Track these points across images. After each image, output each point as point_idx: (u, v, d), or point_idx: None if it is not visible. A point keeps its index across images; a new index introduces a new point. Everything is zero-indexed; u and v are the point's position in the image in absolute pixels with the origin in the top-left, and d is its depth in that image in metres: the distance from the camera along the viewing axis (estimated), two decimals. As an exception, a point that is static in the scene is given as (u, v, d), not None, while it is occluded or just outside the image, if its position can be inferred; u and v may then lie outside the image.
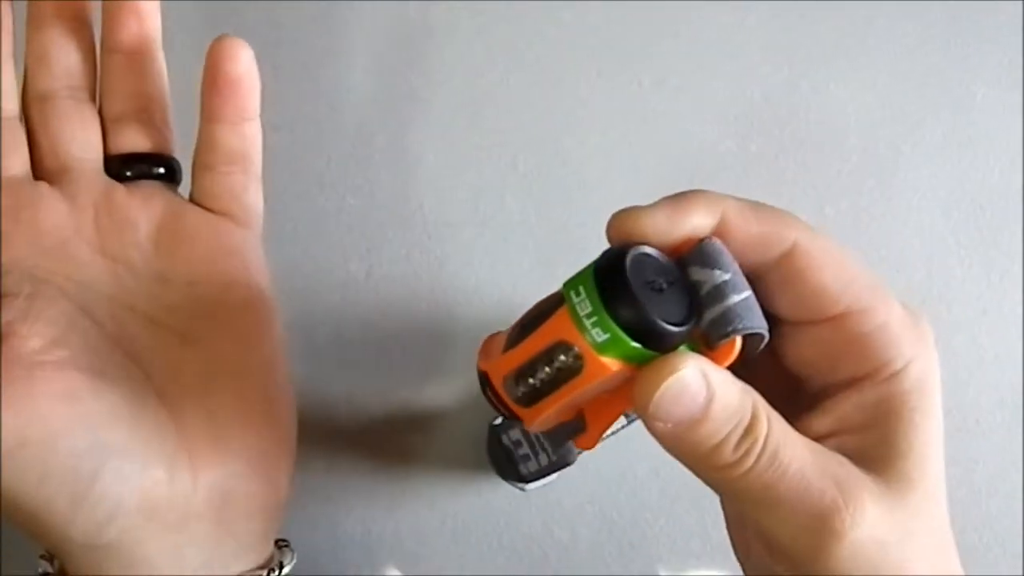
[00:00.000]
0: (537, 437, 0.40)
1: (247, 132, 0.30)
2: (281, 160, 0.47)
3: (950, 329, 0.48)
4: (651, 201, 0.25)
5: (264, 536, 0.29)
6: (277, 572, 0.29)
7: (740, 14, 0.48)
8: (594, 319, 0.22)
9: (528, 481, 0.41)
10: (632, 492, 0.46)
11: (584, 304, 0.22)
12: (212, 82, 0.29)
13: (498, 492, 0.46)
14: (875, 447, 0.24)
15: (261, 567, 0.29)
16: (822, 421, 0.25)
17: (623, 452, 0.45)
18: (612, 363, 0.22)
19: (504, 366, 0.24)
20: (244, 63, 0.29)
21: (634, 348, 0.22)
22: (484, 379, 0.25)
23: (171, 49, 0.47)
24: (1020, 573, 0.47)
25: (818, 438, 0.25)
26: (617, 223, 0.24)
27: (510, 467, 0.42)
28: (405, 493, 0.46)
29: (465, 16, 0.47)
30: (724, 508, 0.28)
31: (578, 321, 0.22)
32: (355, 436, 0.46)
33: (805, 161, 0.48)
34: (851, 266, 0.25)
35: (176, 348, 0.28)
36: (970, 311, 0.48)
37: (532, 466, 0.38)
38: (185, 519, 0.26)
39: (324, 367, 0.46)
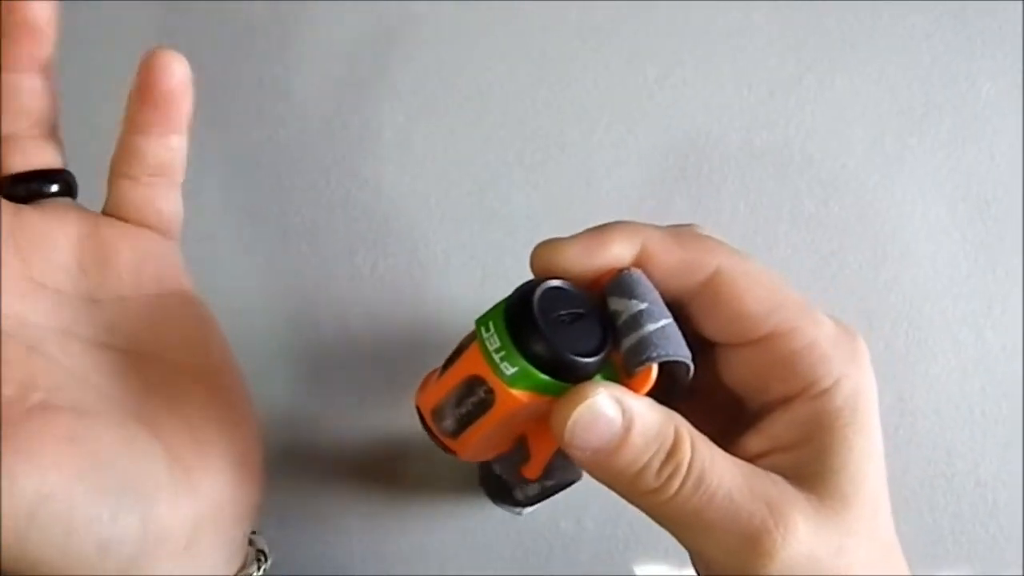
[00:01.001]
0: None
1: (174, 144, 0.29)
2: (288, 154, 0.47)
3: (955, 323, 0.48)
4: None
5: (247, 537, 0.29)
6: (265, 563, 0.29)
7: (746, 8, 0.48)
8: (502, 353, 0.23)
9: (524, 505, 0.41)
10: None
11: (493, 339, 0.23)
12: (143, 94, 0.28)
13: (504, 485, 0.46)
14: (808, 464, 0.25)
15: (245, 566, 0.28)
16: (757, 440, 0.26)
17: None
18: (523, 395, 0.23)
19: (430, 400, 0.25)
20: (178, 76, 0.28)
21: (543, 380, 0.23)
22: (418, 413, 0.26)
23: (177, 42, 0.48)
24: (1018, 574, 0.47)
25: (753, 457, 0.25)
26: (537, 255, 0.25)
27: (503, 492, 0.42)
28: (410, 491, 0.46)
29: (472, 10, 0.47)
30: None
31: (488, 356, 0.23)
32: (359, 427, 0.46)
33: (810, 155, 0.48)
34: (775, 288, 0.25)
35: (130, 367, 0.26)
36: (975, 305, 0.48)
37: (531, 490, 0.38)
38: (193, 536, 0.25)
39: (330, 360, 0.46)
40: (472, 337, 0.24)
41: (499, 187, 0.47)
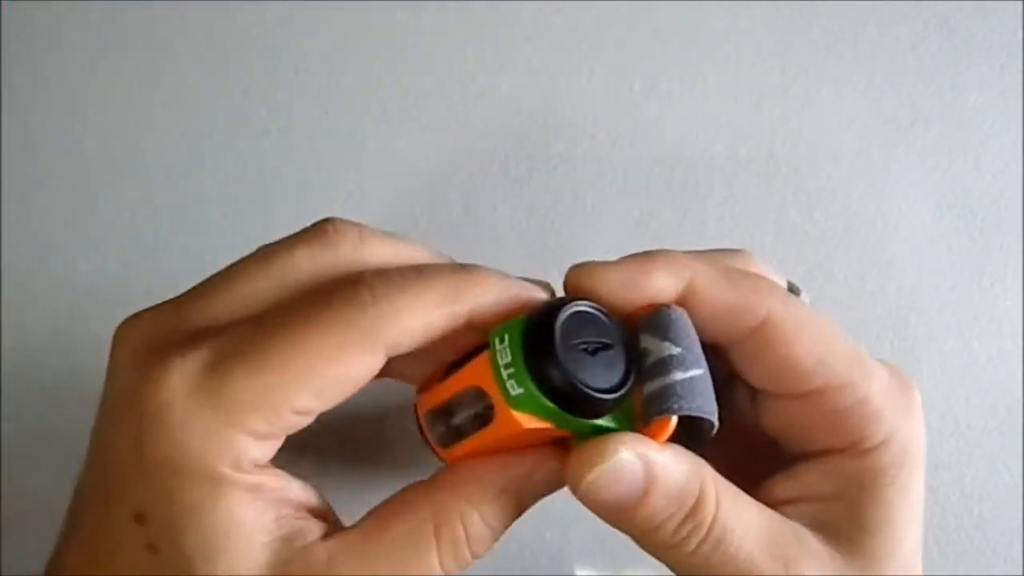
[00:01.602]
0: None
1: None
2: (271, 165, 0.47)
3: (941, 334, 0.48)
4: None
5: None
6: None
7: (732, 18, 0.48)
8: (511, 371, 0.21)
9: None
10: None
11: (505, 353, 0.22)
12: None
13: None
14: (841, 519, 0.24)
15: None
16: (788, 485, 0.25)
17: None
18: (525, 419, 0.22)
19: (427, 402, 0.24)
20: None
21: (549, 407, 0.21)
22: (415, 412, 0.25)
23: (167, 52, 0.47)
24: (1018, 575, 0.47)
25: (780, 502, 0.24)
26: (574, 277, 0.24)
27: None
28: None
29: (456, 19, 0.47)
30: None
31: (496, 370, 0.22)
32: (345, 438, 0.46)
33: (796, 165, 0.48)
34: (826, 339, 0.24)
35: None
36: (961, 316, 0.48)
37: None
38: None
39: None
40: (484, 345, 0.23)
41: (484, 199, 0.47)
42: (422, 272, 0.24)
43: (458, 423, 0.23)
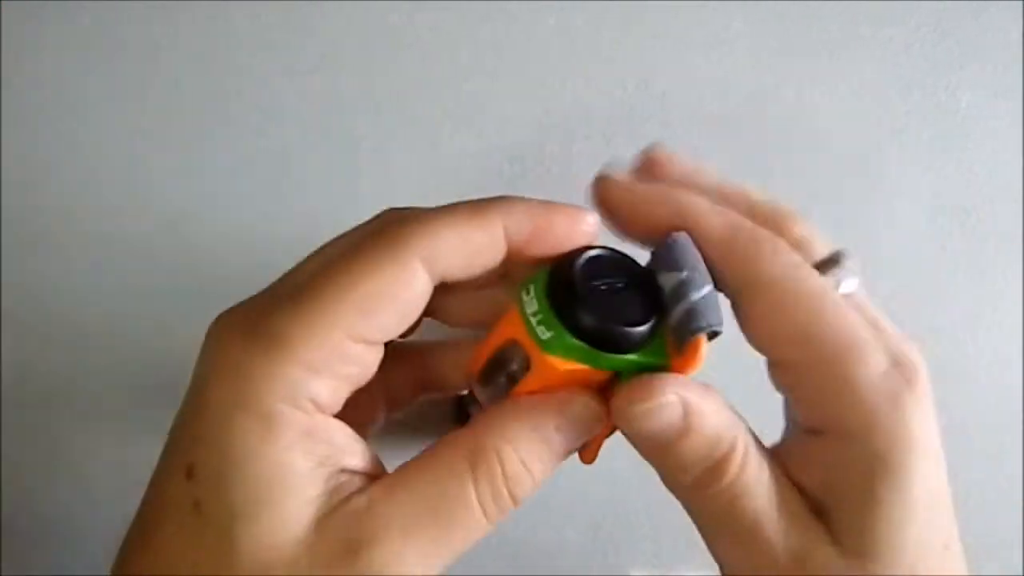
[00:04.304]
0: None
1: None
2: (267, 166, 0.47)
3: (935, 334, 0.48)
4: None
5: None
6: None
7: (725, 17, 0.48)
8: (539, 317, 0.22)
9: None
10: (618, 495, 0.46)
11: (532, 303, 0.23)
12: None
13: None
14: (835, 511, 0.23)
15: None
16: (792, 461, 0.24)
17: (611, 456, 0.45)
18: (559, 362, 0.22)
19: (474, 367, 0.25)
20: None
21: (579, 347, 0.22)
22: (470, 393, 0.26)
23: (163, 53, 0.48)
24: (1018, 574, 0.47)
25: (790, 476, 0.24)
26: (598, 183, 0.25)
27: None
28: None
29: (450, 20, 0.47)
30: None
31: (525, 319, 0.23)
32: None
33: (790, 164, 0.48)
34: (821, 315, 0.23)
35: None
36: (956, 315, 0.48)
37: None
38: None
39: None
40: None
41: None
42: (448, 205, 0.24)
43: (501, 380, 0.24)
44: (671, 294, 0.23)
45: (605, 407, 0.24)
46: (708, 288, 0.23)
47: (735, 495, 0.23)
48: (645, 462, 0.24)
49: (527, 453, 0.23)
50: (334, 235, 0.28)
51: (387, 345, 0.24)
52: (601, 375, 0.23)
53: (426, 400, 0.30)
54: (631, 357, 0.23)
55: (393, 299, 0.22)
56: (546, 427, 0.23)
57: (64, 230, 0.48)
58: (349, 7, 0.47)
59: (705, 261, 0.24)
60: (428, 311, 0.25)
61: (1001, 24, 0.48)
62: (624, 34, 0.48)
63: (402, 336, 0.26)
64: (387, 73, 0.47)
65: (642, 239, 0.25)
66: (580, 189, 0.47)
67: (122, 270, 0.48)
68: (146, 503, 0.23)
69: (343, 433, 0.23)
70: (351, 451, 0.23)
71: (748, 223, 0.24)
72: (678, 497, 0.25)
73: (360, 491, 0.22)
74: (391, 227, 0.23)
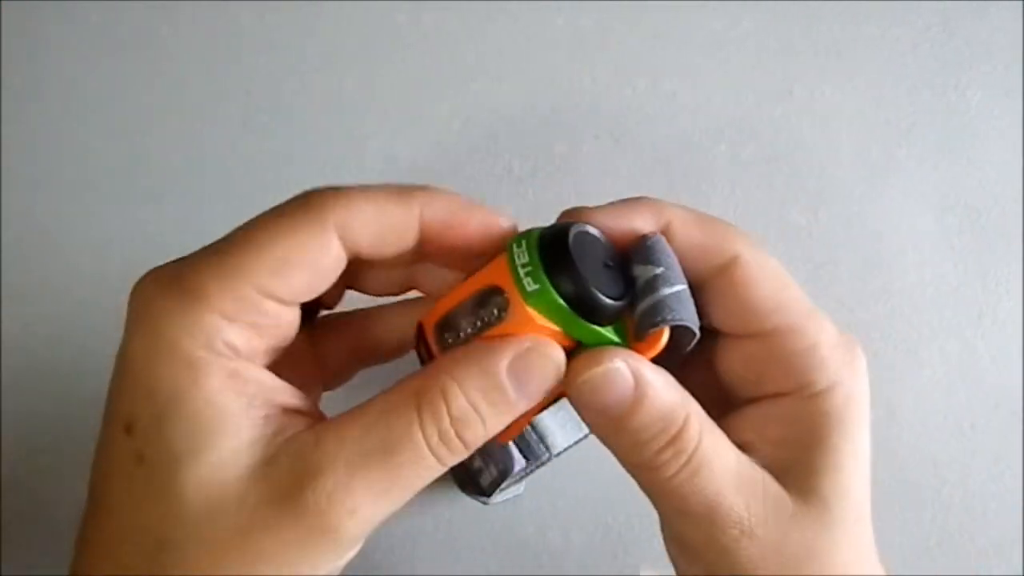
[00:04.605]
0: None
1: None
2: (272, 165, 0.47)
3: (943, 333, 0.48)
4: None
5: None
6: None
7: (734, 19, 0.48)
8: (528, 269, 0.23)
9: (489, 494, 0.41)
10: (626, 496, 0.46)
11: (523, 255, 0.23)
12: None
13: (492, 497, 0.46)
14: (792, 462, 0.25)
15: None
16: (743, 428, 0.26)
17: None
18: (536, 316, 0.23)
19: (437, 312, 0.25)
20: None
21: (561, 306, 0.23)
22: (419, 332, 0.26)
23: (164, 51, 0.47)
24: (1018, 574, 0.47)
25: (739, 445, 0.25)
26: (564, 217, 0.25)
27: (469, 481, 0.41)
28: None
29: (456, 20, 0.47)
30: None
31: (513, 268, 0.23)
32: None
33: (798, 165, 0.48)
34: (788, 287, 0.25)
35: None
36: (964, 315, 0.48)
37: (487, 478, 0.38)
38: None
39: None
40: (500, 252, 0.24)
41: (487, 198, 0.47)
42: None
43: (469, 326, 0.24)
44: (644, 286, 0.24)
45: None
46: (681, 287, 0.24)
47: (694, 470, 0.24)
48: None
49: (475, 393, 0.23)
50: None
51: (311, 312, 0.25)
52: (567, 342, 0.24)
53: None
54: (601, 330, 0.24)
55: (304, 262, 0.23)
56: (496, 369, 0.23)
57: (64, 230, 0.48)
58: (355, 7, 0.47)
59: (681, 256, 0.25)
60: (348, 281, 0.26)
61: (1009, 23, 0.48)
62: (632, 34, 0.48)
63: (325, 305, 0.27)
64: (394, 72, 0.47)
65: (624, 239, 0.25)
66: (589, 188, 0.47)
67: (122, 270, 0.48)
68: (94, 469, 0.23)
69: (269, 376, 0.23)
70: (284, 392, 0.23)
71: (710, 216, 0.26)
72: (638, 479, 0.25)
73: (306, 430, 0.23)
74: (312, 196, 0.23)
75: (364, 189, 0.24)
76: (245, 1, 0.47)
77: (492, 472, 0.39)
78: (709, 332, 0.26)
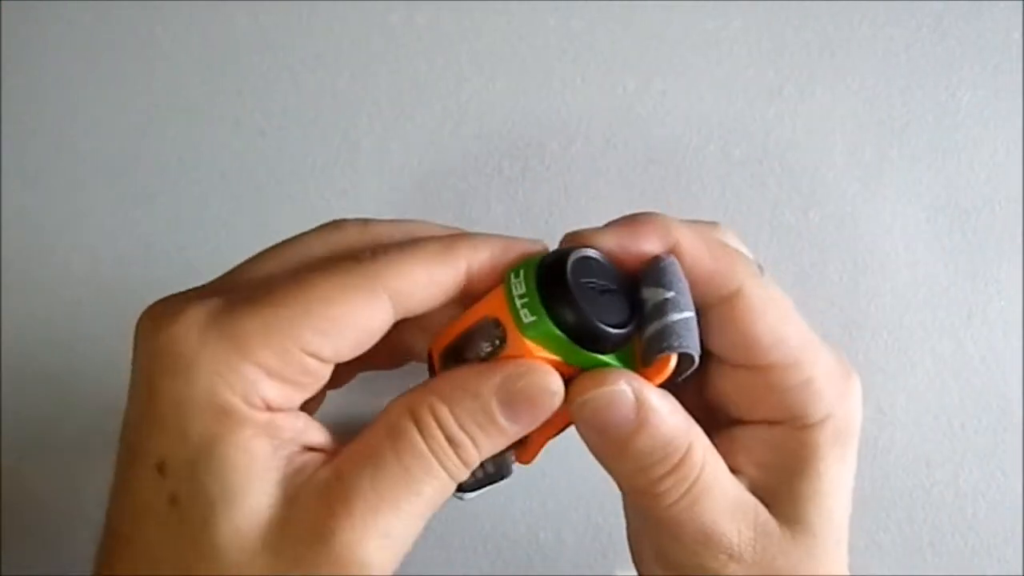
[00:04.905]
0: None
1: None
2: (266, 165, 0.47)
3: (935, 333, 0.48)
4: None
5: None
6: None
7: (725, 18, 0.48)
8: (525, 300, 0.23)
9: (465, 491, 0.41)
10: (617, 496, 0.46)
11: (520, 285, 0.23)
12: None
13: (483, 497, 0.46)
14: (780, 488, 0.25)
15: None
16: (733, 451, 0.26)
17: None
18: (535, 347, 0.23)
19: (443, 340, 0.25)
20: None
21: (558, 337, 0.23)
22: (428, 359, 0.26)
23: (157, 51, 0.48)
24: (1018, 574, 0.47)
25: (728, 464, 0.25)
26: (568, 242, 0.25)
27: None
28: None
29: (449, 20, 0.47)
30: (626, 516, 0.29)
31: (510, 300, 0.23)
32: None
33: (790, 165, 0.48)
34: (788, 320, 0.25)
35: None
36: (955, 316, 0.48)
37: (471, 478, 0.37)
38: None
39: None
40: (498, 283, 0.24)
41: (478, 198, 0.47)
42: (419, 237, 0.25)
43: (469, 358, 0.24)
44: (652, 309, 0.24)
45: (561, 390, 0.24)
46: (690, 314, 0.24)
47: (695, 498, 0.24)
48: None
49: (465, 417, 0.23)
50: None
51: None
52: (569, 371, 0.24)
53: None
54: (602, 358, 0.23)
55: (355, 327, 0.23)
56: (483, 391, 0.23)
57: (64, 230, 0.48)
58: (348, 7, 0.47)
59: (690, 281, 0.25)
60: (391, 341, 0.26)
61: (1002, 24, 0.48)
62: (623, 34, 0.48)
63: (372, 367, 0.27)
64: (387, 73, 0.47)
65: (630, 261, 0.25)
66: (580, 188, 0.48)
67: (122, 270, 0.48)
68: (117, 504, 0.23)
69: (302, 420, 0.23)
70: (308, 431, 0.23)
71: (721, 242, 0.26)
72: (635, 503, 0.25)
73: (324, 466, 0.23)
74: (366, 257, 0.23)
75: (414, 251, 0.24)
76: (239, 1, 0.47)
77: (476, 473, 0.39)
78: (704, 356, 0.26)
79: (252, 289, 0.23)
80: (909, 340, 0.48)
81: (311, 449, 0.23)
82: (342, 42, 0.47)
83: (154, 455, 0.22)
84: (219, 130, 0.47)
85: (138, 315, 0.25)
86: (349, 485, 0.22)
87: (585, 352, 0.23)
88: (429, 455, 0.23)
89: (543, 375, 0.23)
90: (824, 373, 0.25)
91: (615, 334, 0.23)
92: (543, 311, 0.23)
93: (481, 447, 0.23)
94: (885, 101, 0.48)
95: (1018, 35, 0.48)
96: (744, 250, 0.28)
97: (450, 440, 0.23)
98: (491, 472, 0.36)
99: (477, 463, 0.24)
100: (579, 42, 0.48)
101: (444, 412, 0.23)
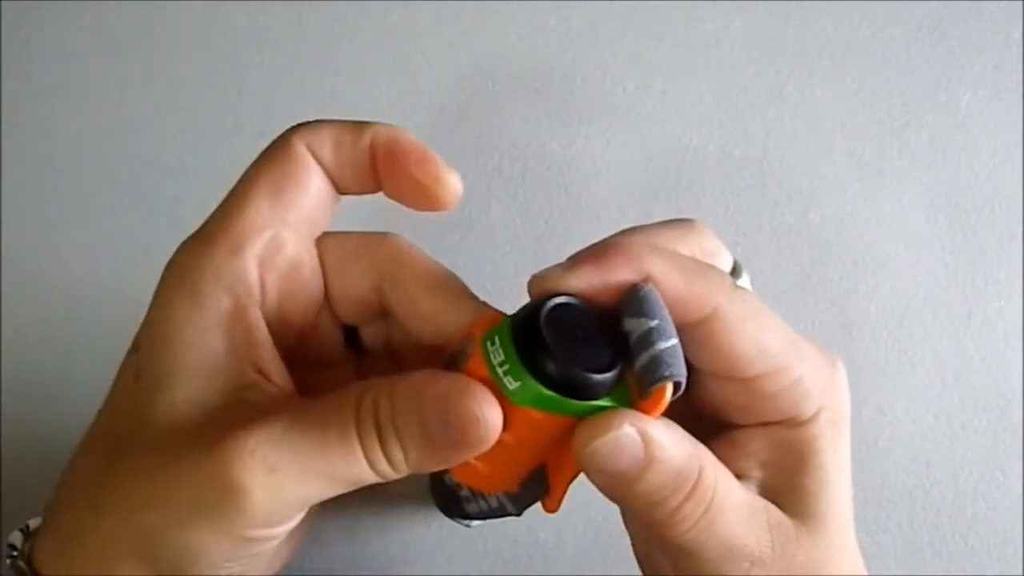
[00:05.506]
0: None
1: None
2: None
3: (935, 334, 0.48)
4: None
5: None
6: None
7: (726, 18, 0.48)
8: (505, 367, 0.22)
9: (473, 519, 0.40)
10: (617, 496, 0.46)
11: (497, 353, 0.22)
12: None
13: (483, 496, 0.46)
14: (785, 485, 0.26)
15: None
16: (733, 456, 0.26)
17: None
18: (528, 411, 0.22)
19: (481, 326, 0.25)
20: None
21: (548, 395, 0.22)
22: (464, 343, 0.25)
23: (156, 52, 0.48)
24: (1018, 574, 0.47)
25: (730, 469, 0.25)
26: (537, 287, 0.24)
27: (453, 506, 0.41)
28: (390, 497, 0.46)
29: (449, 20, 0.47)
30: (628, 528, 0.29)
31: (491, 370, 0.22)
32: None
33: (790, 166, 0.48)
34: (767, 328, 0.25)
35: None
36: (955, 316, 0.48)
37: (474, 508, 0.37)
38: None
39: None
40: (466, 343, 0.24)
41: (478, 197, 0.47)
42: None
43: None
44: (638, 340, 0.23)
45: (507, 437, 0.23)
46: (674, 341, 0.23)
47: (712, 518, 0.24)
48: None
49: (397, 412, 0.23)
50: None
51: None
52: (569, 422, 0.23)
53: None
54: (598, 403, 0.23)
55: (290, 179, 0.26)
56: (426, 398, 0.23)
57: (64, 230, 0.48)
58: (348, 7, 0.47)
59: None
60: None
61: (1002, 24, 0.48)
62: (624, 34, 0.48)
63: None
64: (386, 73, 0.47)
65: (606, 296, 0.25)
66: (579, 188, 0.48)
67: (122, 270, 0.48)
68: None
69: (264, 332, 0.25)
70: (268, 354, 0.25)
71: (692, 262, 0.26)
72: (657, 534, 0.25)
73: (268, 397, 0.24)
74: (284, 132, 0.27)
75: (325, 120, 0.27)
76: (239, 1, 0.47)
77: (483, 505, 0.38)
78: (691, 368, 0.26)
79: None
80: (909, 340, 0.48)
81: (268, 379, 0.25)
82: (341, 42, 0.47)
83: (136, 338, 0.25)
84: (219, 130, 0.47)
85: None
86: (269, 419, 0.22)
87: (579, 403, 0.23)
88: (353, 433, 0.23)
89: (477, 403, 0.22)
90: (810, 370, 0.25)
91: (606, 380, 0.23)
92: (526, 375, 0.22)
93: (408, 449, 0.23)
94: (885, 101, 0.48)
95: (1018, 35, 0.48)
96: (720, 250, 0.28)
97: (377, 428, 0.23)
98: (495, 508, 0.35)
99: (403, 466, 0.23)
100: (579, 42, 0.48)
101: (384, 401, 0.23)
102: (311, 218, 0.26)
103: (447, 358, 0.25)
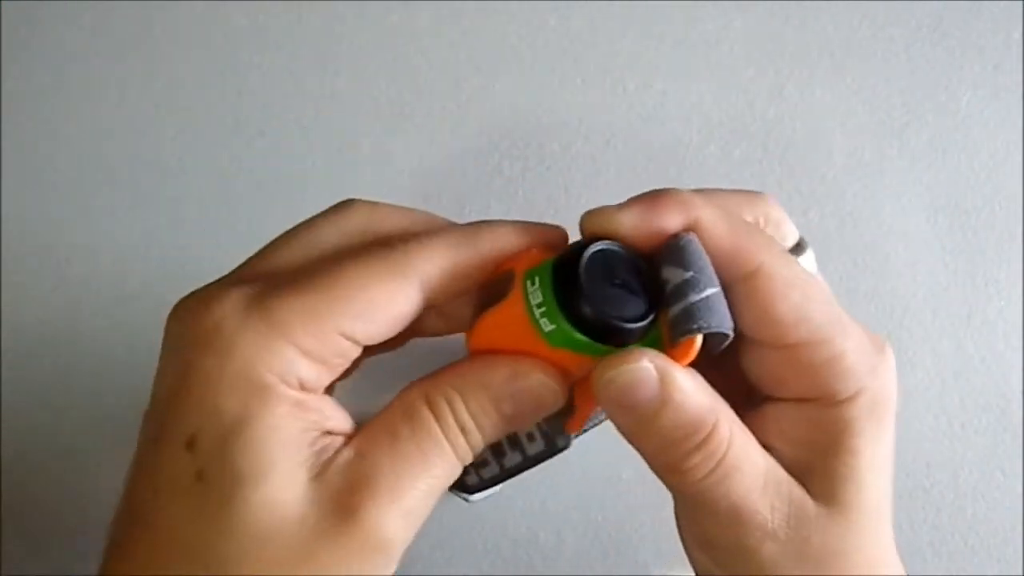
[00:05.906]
0: None
1: None
2: (265, 165, 0.47)
3: (935, 334, 0.48)
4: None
5: None
6: None
7: (726, 19, 0.48)
8: (543, 309, 0.23)
9: (472, 492, 0.40)
10: (617, 495, 0.46)
11: (536, 294, 0.23)
12: None
13: (483, 497, 0.46)
14: (814, 466, 0.25)
15: None
16: (765, 428, 0.26)
17: (607, 455, 0.45)
18: (560, 354, 0.23)
19: (478, 346, 0.25)
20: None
21: (581, 340, 0.23)
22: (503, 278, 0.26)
23: (156, 52, 0.48)
24: (1018, 574, 0.47)
25: (761, 444, 0.25)
26: (588, 222, 0.25)
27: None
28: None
29: (449, 21, 0.47)
30: (676, 511, 0.29)
31: (529, 310, 0.23)
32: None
33: (790, 166, 0.48)
34: (812, 298, 0.25)
35: None
36: (955, 316, 0.48)
37: (473, 479, 0.37)
38: None
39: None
40: (505, 279, 0.24)
41: (478, 198, 0.47)
42: (440, 227, 0.26)
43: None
44: (673, 291, 0.24)
45: (564, 384, 0.25)
46: (713, 290, 0.24)
47: (725, 473, 0.24)
48: (640, 461, 0.25)
49: (476, 407, 0.24)
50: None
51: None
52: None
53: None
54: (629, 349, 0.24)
55: (389, 312, 0.24)
56: (493, 386, 0.24)
57: (63, 230, 0.48)
58: (348, 7, 0.47)
59: (711, 258, 0.24)
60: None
61: (1002, 24, 0.48)
62: (624, 34, 0.48)
63: (390, 347, 0.28)
64: (387, 72, 0.47)
65: (649, 240, 0.25)
66: (580, 188, 0.48)
67: (122, 270, 0.48)
68: (139, 484, 0.24)
69: (329, 404, 0.24)
70: (334, 417, 0.24)
71: (742, 219, 0.25)
72: (666, 481, 0.25)
73: (345, 446, 0.24)
74: (397, 245, 0.24)
75: (443, 238, 0.25)
76: (239, 1, 0.47)
77: (484, 474, 0.39)
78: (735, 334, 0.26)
79: (289, 275, 0.24)
80: (909, 341, 0.48)
81: (330, 433, 0.24)
82: (341, 43, 0.47)
83: (184, 431, 0.23)
84: (219, 130, 0.47)
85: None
86: (371, 463, 0.23)
87: (611, 348, 0.23)
88: (443, 439, 0.24)
89: (538, 374, 0.24)
90: (854, 348, 0.25)
91: (637, 328, 0.23)
92: (562, 319, 0.23)
93: (486, 434, 0.24)
94: (885, 101, 0.48)
95: (1018, 35, 0.48)
96: (786, 221, 0.28)
97: (461, 427, 0.24)
98: (496, 474, 0.36)
99: (481, 447, 0.25)
100: (579, 42, 0.48)
101: (457, 400, 0.24)
102: (384, 337, 0.25)
103: (484, 295, 0.25)
